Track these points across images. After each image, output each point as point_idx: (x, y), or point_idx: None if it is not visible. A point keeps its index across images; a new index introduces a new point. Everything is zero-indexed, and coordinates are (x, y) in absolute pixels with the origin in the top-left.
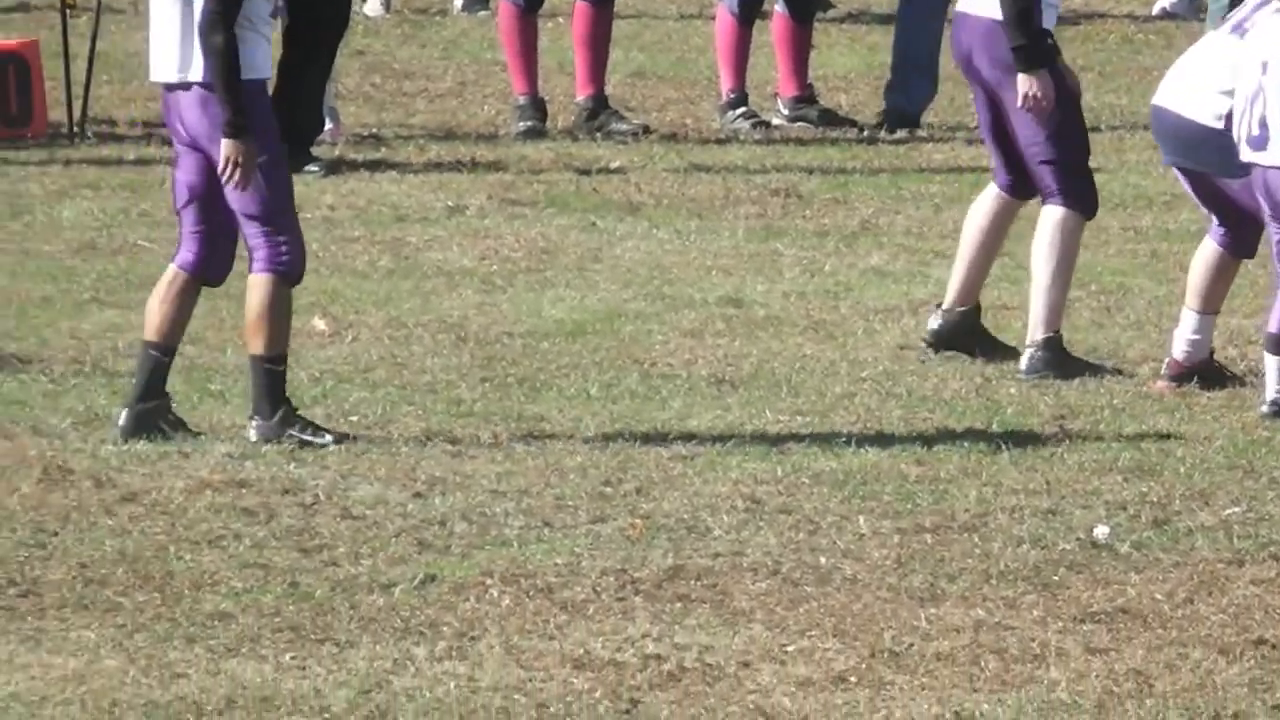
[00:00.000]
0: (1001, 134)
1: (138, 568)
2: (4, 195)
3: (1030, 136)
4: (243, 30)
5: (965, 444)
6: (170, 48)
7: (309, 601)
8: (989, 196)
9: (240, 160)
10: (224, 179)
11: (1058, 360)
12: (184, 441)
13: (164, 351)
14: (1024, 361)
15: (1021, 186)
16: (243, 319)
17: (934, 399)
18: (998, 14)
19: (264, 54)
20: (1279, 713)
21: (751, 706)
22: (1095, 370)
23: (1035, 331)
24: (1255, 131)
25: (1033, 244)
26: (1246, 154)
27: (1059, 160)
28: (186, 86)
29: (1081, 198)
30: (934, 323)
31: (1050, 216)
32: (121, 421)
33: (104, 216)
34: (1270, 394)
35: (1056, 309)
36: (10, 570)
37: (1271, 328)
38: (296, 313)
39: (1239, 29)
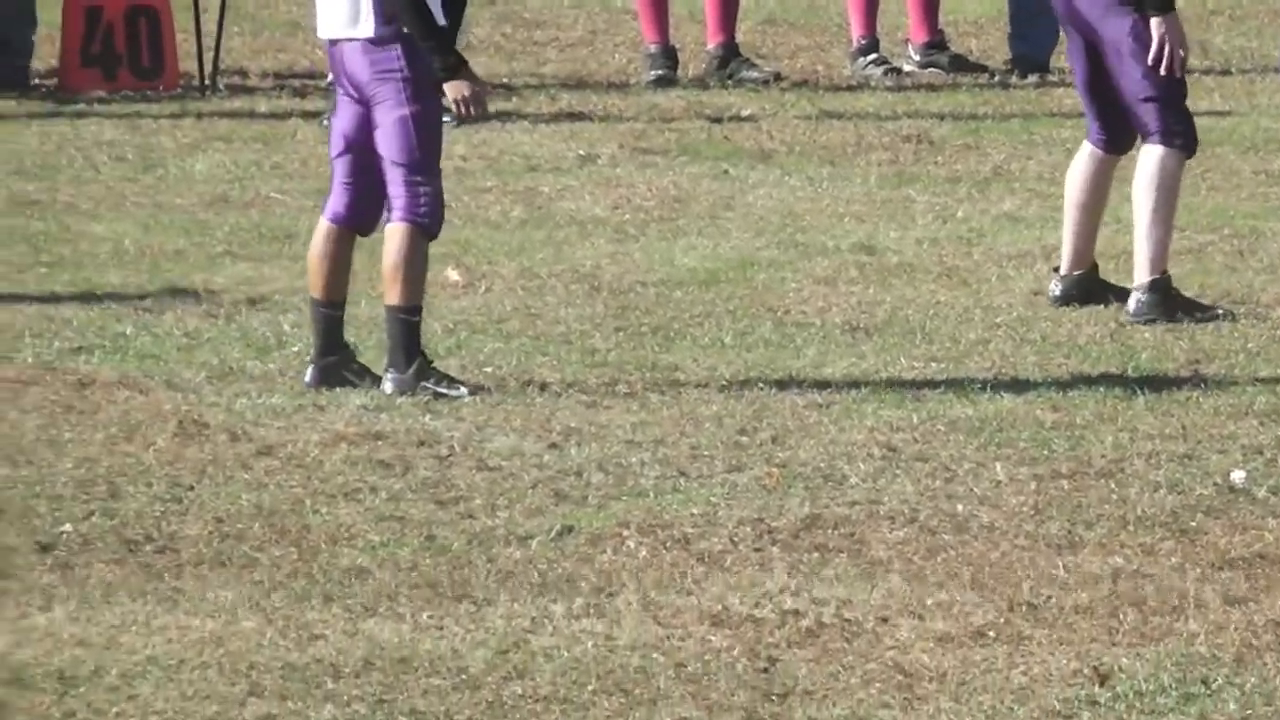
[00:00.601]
0: (1098, 86)
1: (274, 522)
2: (137, 148)
3: (1131, 75)
4: None
5: (1100, 389)
6: (340, 4)
7: (445, 555)
8: (1084, 157)
9: (469, 96)
10: (458, 121)
11: (1165, 303)
12: (370, 390)
13: (333, 306)
14: (1131, 305)
15: (1117, 140)
16: (376, 271)
17: (1068, 345)
18: None
19: (438, 4)
20: None
21: (890, 664)
22: (1207, 312)
23: (1141, 274)
24: None
25: (1133, 185)
26: None
27: (1160, 98)
28: (353, 41)
29: (1183, 135)
30: (1055, 289)
31: (1151, 155)
32: (308, 378)
33: (236, 169)
34: None
35: (1162, 250)
36: (147, 526)
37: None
38: (431, 264)
39: None
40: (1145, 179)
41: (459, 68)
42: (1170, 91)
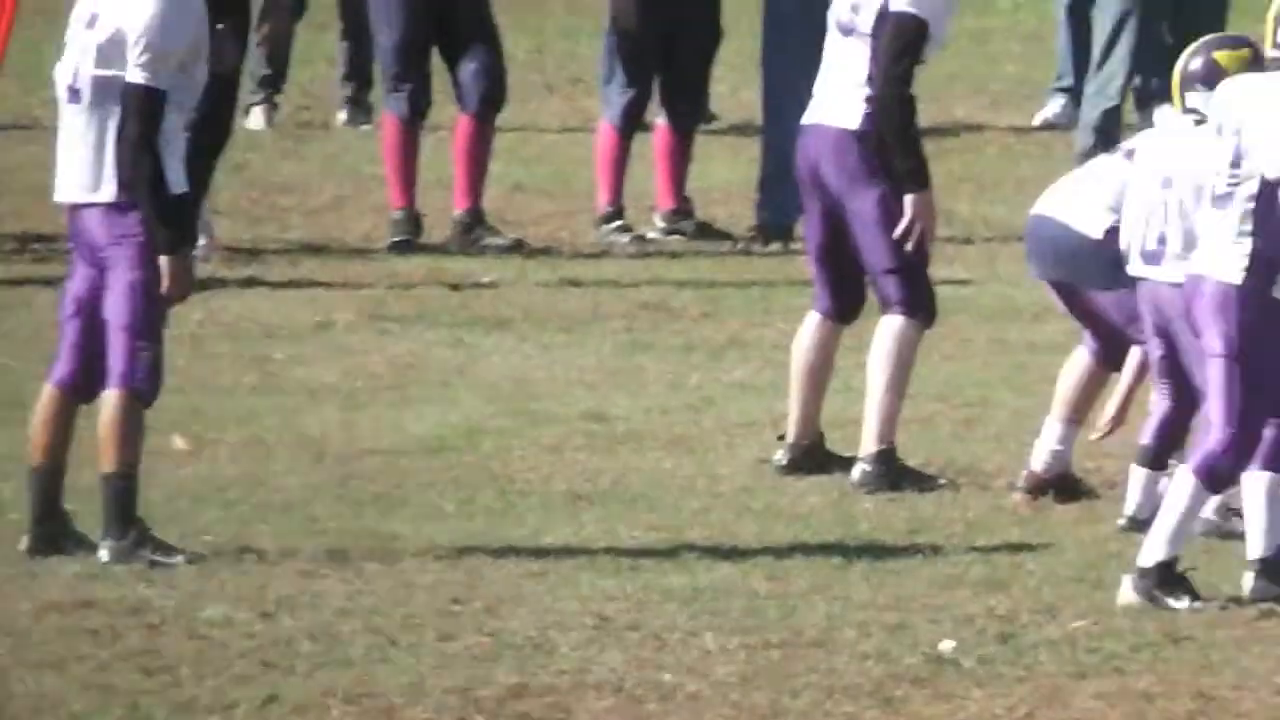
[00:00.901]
0: (832, 255)
1: None
2: None
3: (875, 246)
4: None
5: (817, 559)
6: (79, 167)
7: None
8: (812, 325)
9: (174, 275)
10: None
11: (889, 473)
12: (86, 558)
13: (52, 472)
14: (855, 474)
15: (844, 310)
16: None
17: (789, 514)
18: (848, 124)
19: (178, 169)
20: None
21: None
22: (929, 482)
23: (868, 444)
24: (1151, 246)
25: (870, 355)
26: (1138, 268)
27: (903, 269)
28: (92, 205)
29: (924, 307)
30: (781, 459)
31: (890, 326)
32: (24, 545)
33: None
34: (1130, 508)
35: (891, 421)
36: None
37: (1144, 439)
38: (157, 430)
39: (1129, 155)
40: (883, 349)
41: (179, 244)
42: (914, 263)
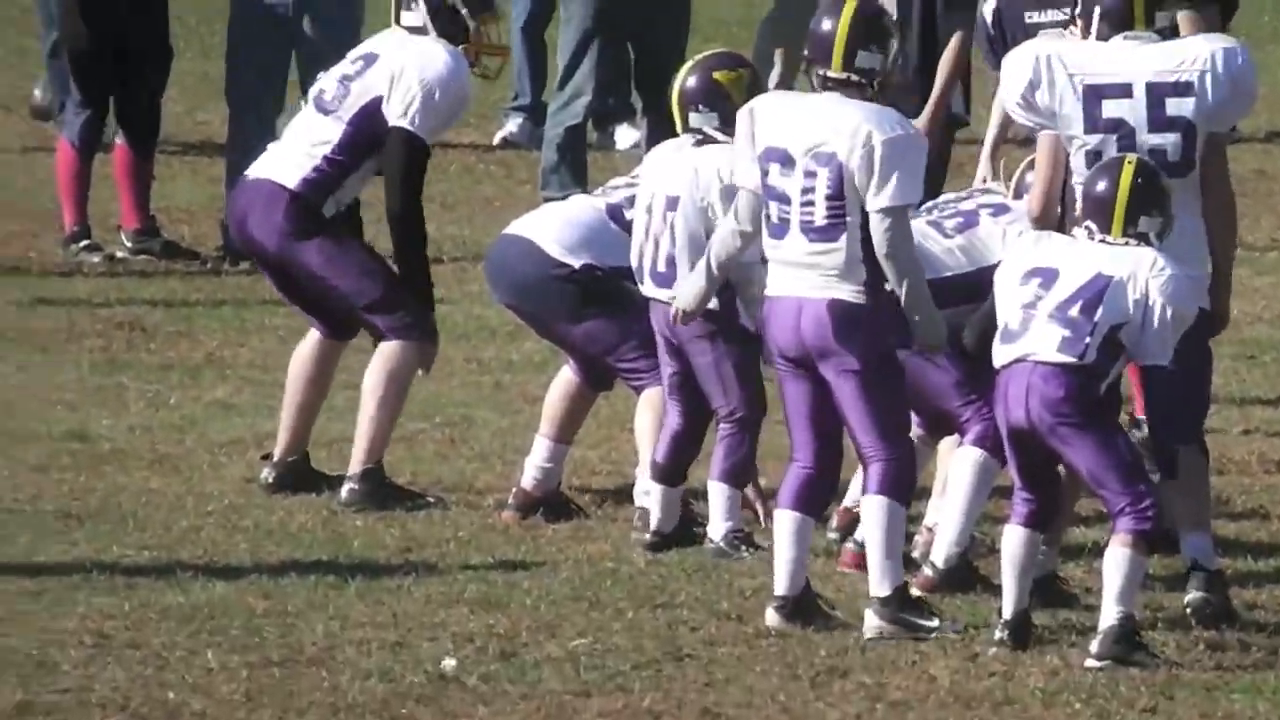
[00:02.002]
0: (292, 290)
1: None
2: None
3: (347, 288)
4: None
5: (312, 577)
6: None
7: None
8: (310, 343)
9: None
10: None
11: (378, 491)
12: None
13: None
14: (344, 493)
15: (340, 329)
16: None
17: (280, 532)
18: (286, 181)
19: None
20: None
21: None
22: (418, 500)
23: (356, 463)
24: (662, 269)
25: (366, 374)
26: (650, 289)
27: (383, 298)
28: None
29: (416, 329)
30: (268, 476)
31: (384, 350)
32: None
33: None
34: (654, 523)
35: (381, 440)
36: None
37: (658, 457)
38: None
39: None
40: (377, 371)
41: None
42: (392, 293)
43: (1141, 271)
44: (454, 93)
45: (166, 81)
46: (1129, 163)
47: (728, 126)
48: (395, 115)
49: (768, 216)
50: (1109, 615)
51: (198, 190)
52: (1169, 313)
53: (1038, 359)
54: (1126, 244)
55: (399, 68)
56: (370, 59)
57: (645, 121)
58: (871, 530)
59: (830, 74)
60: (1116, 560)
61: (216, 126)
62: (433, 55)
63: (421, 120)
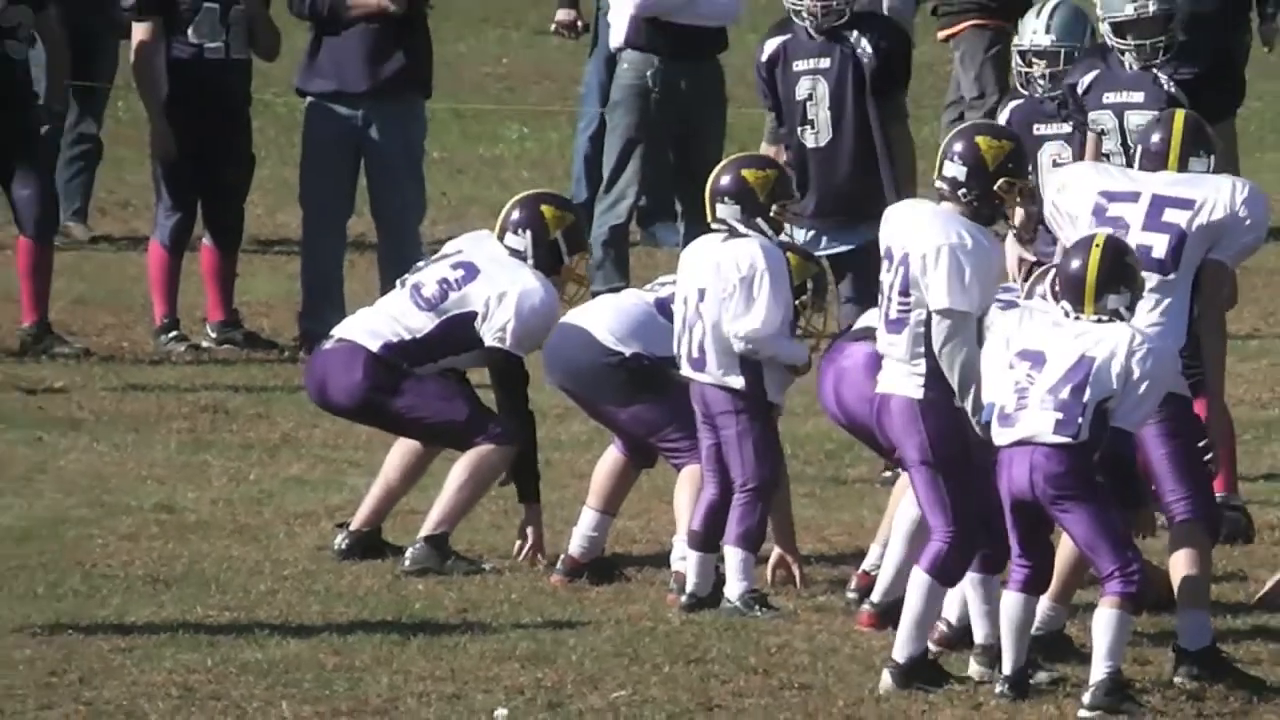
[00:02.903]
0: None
1: None
2: None
3: (434, 420)
4: None
5: (378, 635)
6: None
7: None
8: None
9: None
10: None
11: (438, 555)
12: None
13: None
14: (409, 552)
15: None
16: None
17: (349, 595)
18: (365, 342)
19: None
20: None
21: None
22: (474, 565)
23: (426, 529)
24: (695, 355)
25: (457, 462)
26: (687, 371)
27: (468, 420)
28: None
29: (506, 436)
30: (341, 543)
31: (481, 448)
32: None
33: None
34: (690, 586)
35: (453, 518)
36: None
37: (694, 525)
38: None
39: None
40: (470, 462)
41: None
42: (475, 414)
43: (1121, 349)
44: (545, 319)
45: (249, 187)
46: (1096, 244)
47: (751, 219)
48: (492, 335)
49: None
50: (1099, 669)
51: (276, 285)
52: (1147, 385)
53: (1038, 441)
54: (1100, 321)
55: (498, 293)
56: (471, 272)
57: (684, 222)
58: (910, 602)
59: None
60: (1105, 620)
61: (293, 228)
62: (531, 288)
63: (516, 343)
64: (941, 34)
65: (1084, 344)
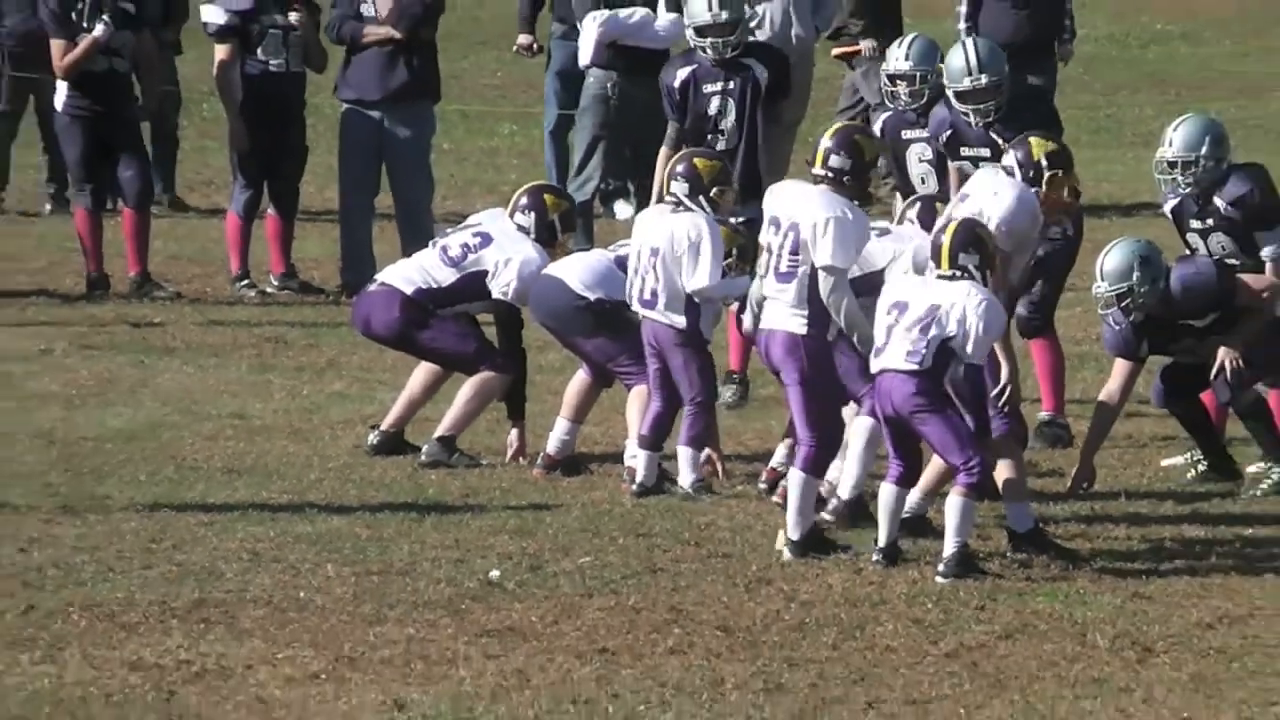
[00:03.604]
0: (414, 354)
1: None
2: None
3: (451, 352)
4: None
5: (400, 514)
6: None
7: None
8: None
9: None
10: None
11: (447, 452)
12: None
13: None
14: (424, 449)
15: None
16: None
17: (378, 482)
18: (401, 286)
19: None
20: (620, 700)
21: (254, 696)
22: (474, 459)
23: (440, 430)
24: (647, 296)
25: (465, 384)
26: (639, 310)
27: (475, 353)
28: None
29: (504, 368)
30: (372, 440)
31: (484, 374)
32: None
33: None
34: (639, 478)
35: (461, 424)
36: None
37: (643, 430)
38: None
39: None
40: (476, 383)
41: None
42: (480, 346)
43: (960, 300)
44: (536, 277)
45: (303, 171)
46: (954, 219)
47: (695, 197)
48: (499, 289)
49: None
50: (950, 544)
51: (324, 247)
52: (982, 327)
53: (895, 369)
54: (954, 277)
55: (505, 259)
56: (486, 240)
57: (636, 200)
58: (792, 494)
59: None
60: (954, 506)
61: (335, 202)
62: (530, 257)
63: (516, 297)
64: (835, 52)
65: (935, 295)
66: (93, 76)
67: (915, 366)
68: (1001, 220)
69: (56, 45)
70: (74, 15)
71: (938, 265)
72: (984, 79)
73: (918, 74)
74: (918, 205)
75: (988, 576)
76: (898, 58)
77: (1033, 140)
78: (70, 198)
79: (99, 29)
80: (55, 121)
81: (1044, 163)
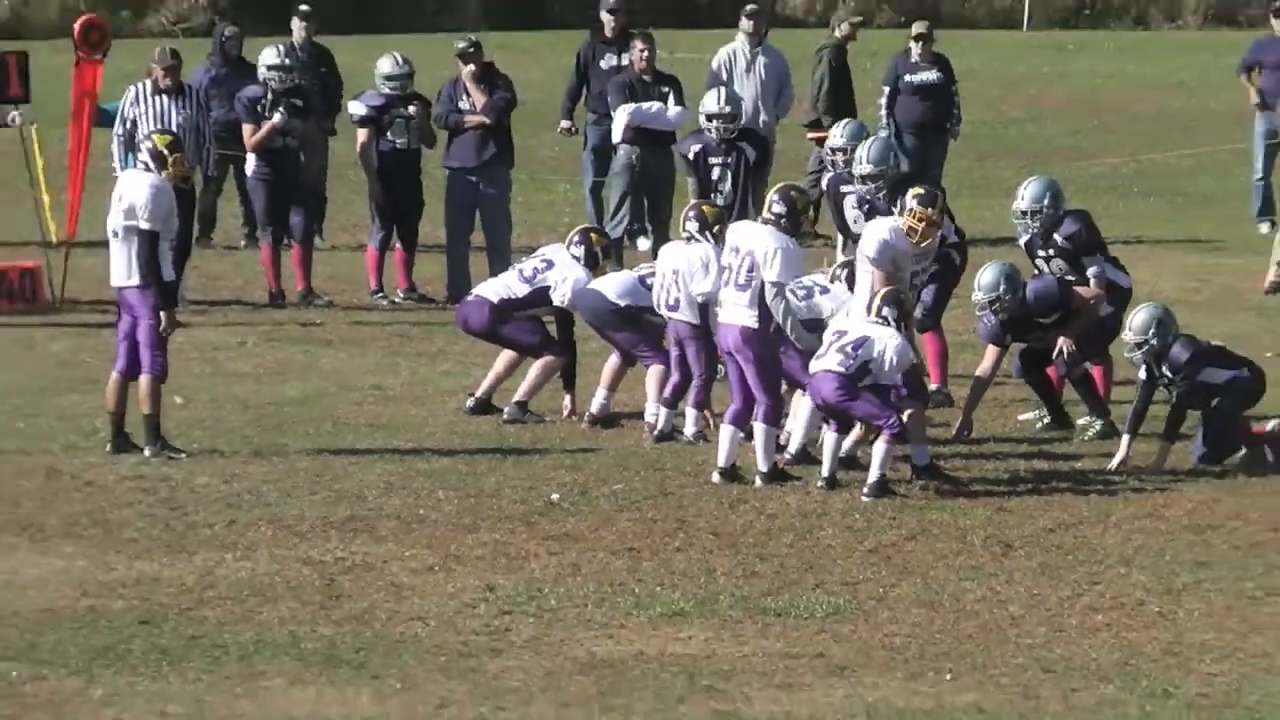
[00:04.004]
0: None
1: None
2: (18, 340)
3: (524, 343)
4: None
5: (488, 455)
6: (120, 265)
7: None
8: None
9: (169, 322)
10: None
11: (521, 412)
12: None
13: (118, 415)
14: (506, 410)
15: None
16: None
17: (473, 433)
18: (490, 297)
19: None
20: (642, 583)
21: (389, 582)
22: (542, 419)
23: (516, 396)
24: (670, 302)
25: (533, 365)
26: (665, 313)
27: (540, 343)
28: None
29: (560, 356)
30: (469, 403)
31: (546, 357)
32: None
33: (79, 347)
34: (658, 429)
35: (531, 391)
36: None
37: (666, 395)
38: (165, 394)
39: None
40: (541, 362)
41: (170, 310)
42: (551, 339)
43: (881, 337)
44: (584, 295)
45: (420, 217)
46: (882, 288)
47: (703, 232)
48: (558, 299)
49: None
50: (873, 474)
51: (435, 270)
52: (895, 359)
53: (828, 369)
54: (880, 322)
55: (562, 278)
56: (549, 264)
57: (652, 236)
58: (758, 439)
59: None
60: (879, 448)
61: (442, 239)
62: (580, 277)
63: (570, 305)
64: (810, 136)
65: (868, 330)
66: (271, 151)
67: (842, 370)
68: (878, 241)
69: (247, 129)
70: (259, 108)
71: (868, 312)
72: (869, 168)
73: (849, 147)
74: (845, 271)
75: (898, 496)
76: (837, 136)
77: (910, 190)
78: (258, 236)
79: (276, 117)
80: (247, 183)
81: (912, 201)
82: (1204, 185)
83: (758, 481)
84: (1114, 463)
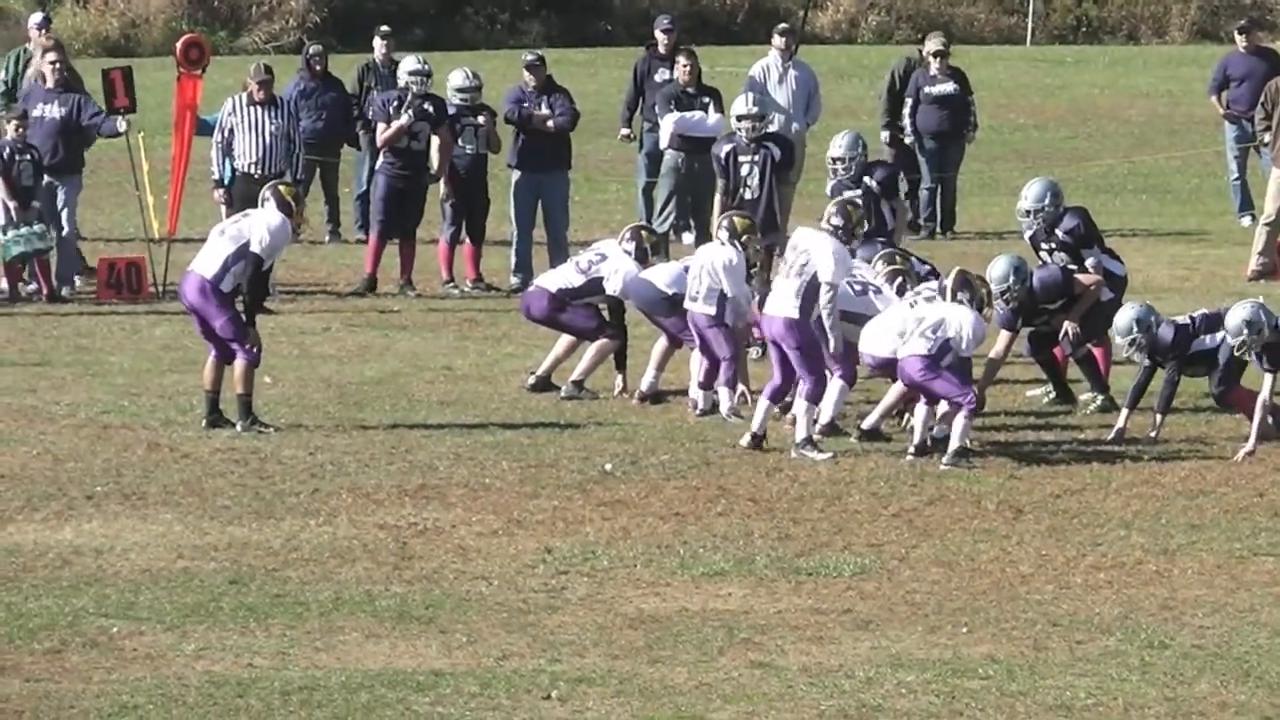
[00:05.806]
0: (558, 329)
1: None
2: (124, 327)
3: (582, 327)
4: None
5: (548, 429)
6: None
7: None
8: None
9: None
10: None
11: (578, 390)
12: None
13: (214, 393)
14: (564, 388)
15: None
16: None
17: (534, 408)
18: (549, 287)
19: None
20: (687, 545)
21: (456, 545)
22: (596, 396)
23: (574, 376)
24: (693, 294)
25: (589, 348)
26: (689, 304)
27: (597, 327)
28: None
29: (615, 338)
30: (529, 381)
31: (601, 340)
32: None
33: (180, 335)
34: (699, 406)
35: (587, 371)
36: None
37: (700, 378)
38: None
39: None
40: (596, 346)
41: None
42: (607, 323)
43: (957, 316)
44: (634, 284)
45: (488, 213)
46: (956, 271)
47: (733, 240)
48: (611, 289)
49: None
50: (953, 443)
51: (501, 262)
52: (972, 335)
53: (914, 353)
54: (958, 303)
55: (614, 270)
56: (604, 258)
57: (696, 233)
58: (799, 413)
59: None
60: (959, 421)
61: (509, 234)
62: (630, 269)
63: (621, 294)
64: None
65: (946, 311)
66: (398, 149)
67: (925, 352)
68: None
69: (380, 127)
70: (391, 109)
71: (943, 298)
72: (840, 151)
73: (848, 157)
74: (897, 280)
75: (976, 465)
76: (836, 146)
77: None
78: (371, 224)
79: (403, 118)
80: (372, 176)
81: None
82: (1190, 183)
83: (792, 452)
84: (1113, 434)
